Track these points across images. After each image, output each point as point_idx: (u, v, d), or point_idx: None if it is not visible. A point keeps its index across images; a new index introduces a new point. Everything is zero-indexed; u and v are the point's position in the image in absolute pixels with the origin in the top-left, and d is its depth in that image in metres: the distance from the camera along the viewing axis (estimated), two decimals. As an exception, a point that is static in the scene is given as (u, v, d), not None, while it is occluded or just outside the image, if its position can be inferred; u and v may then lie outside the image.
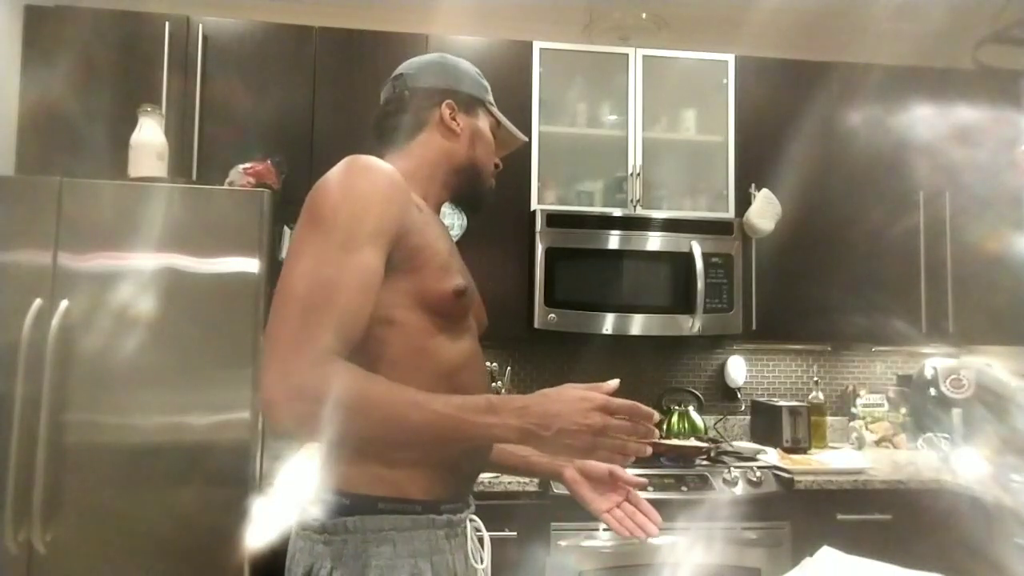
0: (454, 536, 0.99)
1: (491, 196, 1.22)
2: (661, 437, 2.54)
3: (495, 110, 1.22)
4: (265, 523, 0.82)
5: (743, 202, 2.52)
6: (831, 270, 2.55)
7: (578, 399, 0.85)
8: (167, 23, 2.26)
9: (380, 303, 0.92)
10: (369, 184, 0.94)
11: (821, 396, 2.71)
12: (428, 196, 1.12)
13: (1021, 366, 2.67)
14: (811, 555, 1.05)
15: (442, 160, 1.14)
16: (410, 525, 0.94)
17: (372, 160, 0.98)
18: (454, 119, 1.14)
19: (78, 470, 1.75)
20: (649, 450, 0.88)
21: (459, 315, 1.03)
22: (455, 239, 2.33)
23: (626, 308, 2.39)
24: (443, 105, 1.14)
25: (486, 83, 1.25)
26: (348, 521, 0.91)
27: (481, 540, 1.06)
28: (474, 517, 1.07)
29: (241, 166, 2.11)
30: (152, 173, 2.00)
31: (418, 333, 0.98)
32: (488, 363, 2.46)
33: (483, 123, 1.19)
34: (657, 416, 0.88)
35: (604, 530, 2.03)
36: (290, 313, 0.85)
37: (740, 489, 2.13)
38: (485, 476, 2.06)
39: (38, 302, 1.75)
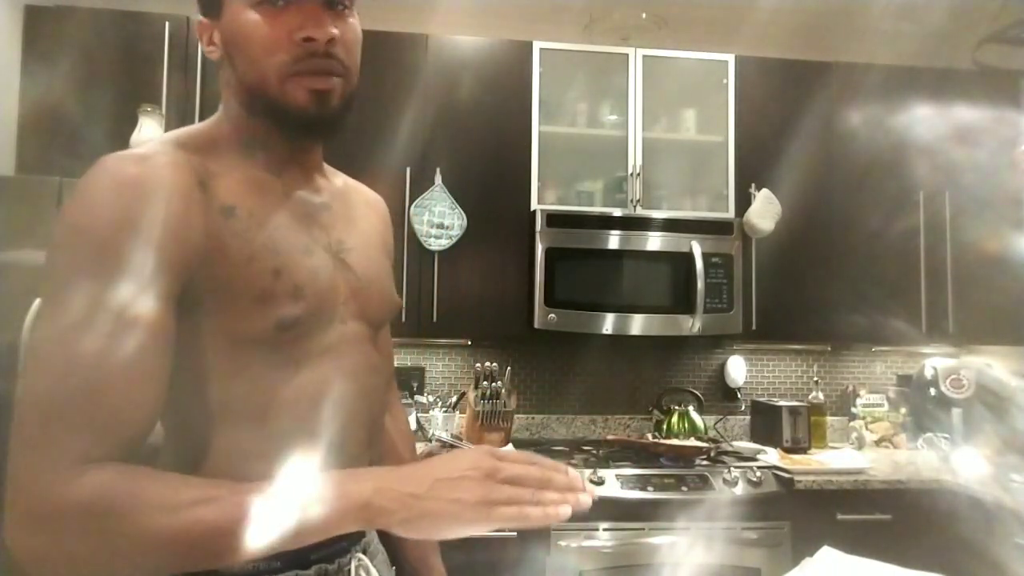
0: None
1: (315, 106, 0.77)
2: (661, 437, 2.55)
3: None
4: (264, 523, 0.77)
5: (743, 202, 2.52)
6: (831, 270, 2.55)
7: (463, 455, 0.67)
8: (167, 23, 2.26)
9: (185, 351, 0.70)
10: (132, 207, 0.67)
11: (821, 396, 2.71)
12: (266, 156, 0.81)
13: (1021, 366, 2.67)
14: (811, 555, 1.05)
15: (231, 104, 0.80)
16: None
17: (130, 166, 0.70)
18: (210, 43, 0.80)
19: (78, 470, 1.75)
20: (568, 511, 0.65)
21: (293, 345, 0.77)
22: (454, 239, 2.37)
23: (626, 308, 2.39)
24: (197, 31, 0.81)
25: None
26: None
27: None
28: (361, 556, 0.86)
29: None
30: (152, 173, 2.00)
31: (235, 375, 0.74)
32: (488, 363, 2.46)
33: (231, 13, 0.77)
34: (581, 484, 0.68)
35: (604, 530, 2.03)
36: (30, 411, 0.61)
37: (740, 489, 2.13)
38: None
39: (38, 302, 1.75)
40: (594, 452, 2.38)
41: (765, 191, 2.49)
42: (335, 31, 0.76)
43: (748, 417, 2.83)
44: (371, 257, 0.91)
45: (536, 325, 2.34)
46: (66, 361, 0.62)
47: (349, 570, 0.84)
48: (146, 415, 0.65)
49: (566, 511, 0.64)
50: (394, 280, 1.00)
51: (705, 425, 2.63)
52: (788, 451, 2.47)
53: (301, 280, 0.77)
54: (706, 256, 2.40)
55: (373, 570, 0.88)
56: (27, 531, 0.59)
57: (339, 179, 0.96)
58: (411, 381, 2.64)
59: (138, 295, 0.65)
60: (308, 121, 0.78)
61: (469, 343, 2.68)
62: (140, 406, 0.64)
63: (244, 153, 0.80)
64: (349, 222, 0.90)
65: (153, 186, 0.69)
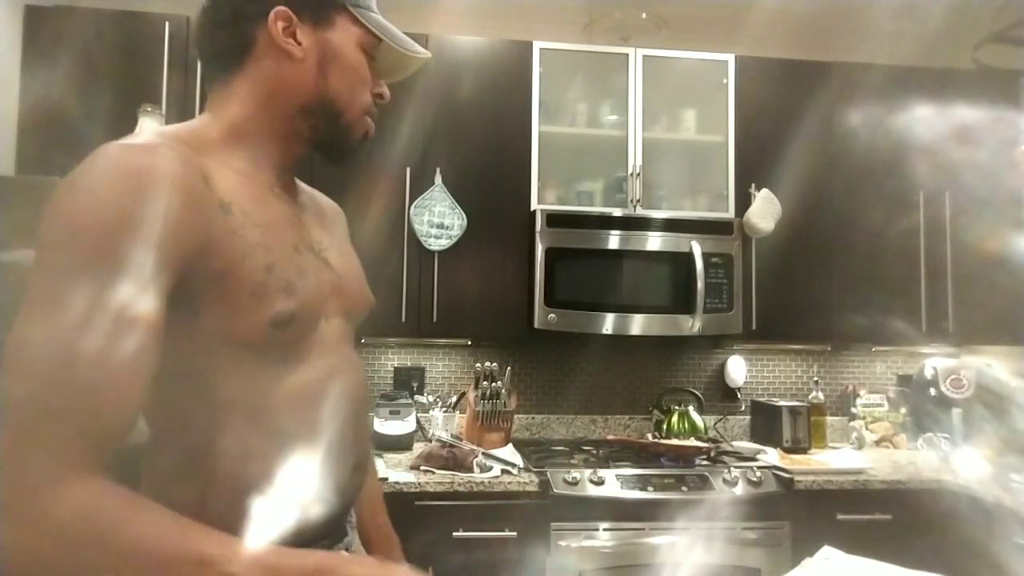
0: None
1: (361, 144, 0.89)
2: (661, 437, 2.55)
3: (370, 15, 0.86)
4: (264, 522, 0.79)
5: (743, 202, 2.52)
6: (831, 270, 2.55)
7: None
8: (167, 23, 2.26)
9: (181, 350, 0.71)
10: (135, 195, 0.66)
11: (821, 396, 2.71)
12: (266, 157, 0.84)
13: (1021, 366, 2.67)
14: (811, 555, 1.05)
15: (278, 99, 0.82)
16: None
17: (135, 154, 0.69)
18: (291, 36, 0.81)
19: (78, 470, 1.74)
20: None
21: (286, 344, 0.79)
22: (454, 239, 2.37)
23: (626, 308, 2.39)
24: (271, 16, 0.80)
25: None
26: None
27: None
28: (344, 553, 0.88)
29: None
30: (152, 173, 2.00)
31: (227, 377, 0.75)
32: (488, 363, 2.46)
33: (343, 37, 0.84)
34: None
35: (604, 530, 2.03)
36: (16, 408, 0.59)
37: (740, 489, 2.13)
38: (485, 476, 2.06)
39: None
40: (594, 452, 2.38)
41: (765, 191, 2.49)
42: None
43: (748, 417, 2.83)
44: (345, 254, 0.96)
45: (536, 325, 2.34)
46: (59, 352, 0.60)
47: None
48: (129, 416, 0.65)
49: None
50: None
51: (705, 425, 2.63)
52: (788, 451, 2.47)
53: (291, 277, 0.79)
54: (706, 256, 2.40)
55: None
56: (14, 534, 0.58)
57: (305, 187, 1.00)
58: (411, 381, 2.64)
59: (135, 293, 0.63)
60: (344, 145, 0.88)
61: (469, 343, 2.68)
62: (124, 407, 0.63)
63: (239, 152, 0.82)
64: (323, 224, 0.95)
65: (160, 177, 0.68)
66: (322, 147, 0.89)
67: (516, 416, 2.58)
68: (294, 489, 0.78)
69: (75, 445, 0.60)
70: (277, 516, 0.77)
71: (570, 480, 2.07)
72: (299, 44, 0.82)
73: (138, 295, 0.64)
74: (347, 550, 0.91)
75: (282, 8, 0.81)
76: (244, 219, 0.76)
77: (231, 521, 0.72)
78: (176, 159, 0.71)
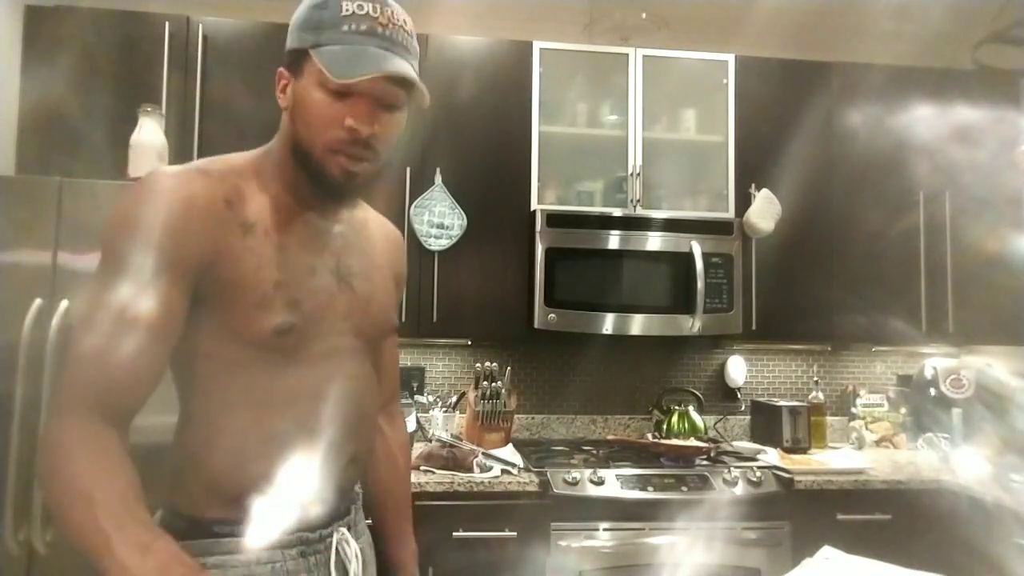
0: (312, 553, 0.92)
1: (347, 182, 0.89)
2: (661, 437, 2.55)
3: (323, 51, 0.85)
4: (264, 523, 0.81)
5: (743, 202, 2.52)
6: (831, 270, 2.55)
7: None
8: (167, 23, 2.26)
9: (193, 335, 0.85)
10: (159, 211, 0.82)
11: (821, 396, 2.71)
12: (299, 189, 0.93)
13: (1021, 366, 2.67)
14: (811, 555, 1.05)
15: (282, 145, 0.93)
16: (247, 548, 0.87)
17: (167, 179, 0.85)
18: (283, 91, 0.92)
19: (78, 470, 1.75)
20: None
21: (289, 349, 0.89)
22: (454, 239, 2.37)
23: (626, 308, 2.39)
24: (277, 76, 0.93)
25: (330, 13, 0.86)
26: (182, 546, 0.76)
27: (361, 553, 0.99)
28: (344, 531, 0.97)
29: (241, 166, 2.11)
30: (152, 173, 2.00)
31: (240, 368, 0.88)
32: (488, 363, 2.46)
33: (306, 81, 0.88)
34: None
35: (604, 530, 2.03)
36: (68, 364, 0.79)
37: (740, 489, 2.13)
38: (485, 476, 2.06)
39: (38, 302, 1.75)
40: (594, 452, 2.38)
41: (765, 191, 2.49)
42: (376, 128, 0.87)
43: (748, 417, 2.83)
44: (375, 282, 1.03)
45: (536, 325, 2.34)
46: (93, 329, 0.78)
47: (330, 543, 0.94)
48: (137, 389, 0.79)
49: None
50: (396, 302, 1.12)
51: (705, 425, 2.63)
52: (788, 451, 2.47)
53: (299, 294, 0.90)
54: (706, 256, 2.40)
55: (354, 544, 0.97)
56: (40, 450, 0.77)
57: (361, 211, 1.09)
58: (411, 381, 2.64)
59: (144, 292, 0.79)
60: (333, 189, 0.91)
61: (469, 343, 2.68)
62: (138, 372, 0.79)
63: (281, 183, 0.93)
64: (360, 250, 1.02)
65: (182, 197, 0.83)
66: (318, 189, 0.93)
67: (516, 416, 2.58)
68: (287, 471, 0.88)
69: (89, 399, 0.76)
70: (266, 498, 0.87)
71: (570, 480, 2.07)
72: (286, 96, 0.92)
73: (142, 295, 0.79)
74: (348, 529, 0.98)
75: (281, 69, 0.92)
76: (264, 239, 0.89)
77: (231, 501, 0.86)
78: (199, 183, 0.86)
